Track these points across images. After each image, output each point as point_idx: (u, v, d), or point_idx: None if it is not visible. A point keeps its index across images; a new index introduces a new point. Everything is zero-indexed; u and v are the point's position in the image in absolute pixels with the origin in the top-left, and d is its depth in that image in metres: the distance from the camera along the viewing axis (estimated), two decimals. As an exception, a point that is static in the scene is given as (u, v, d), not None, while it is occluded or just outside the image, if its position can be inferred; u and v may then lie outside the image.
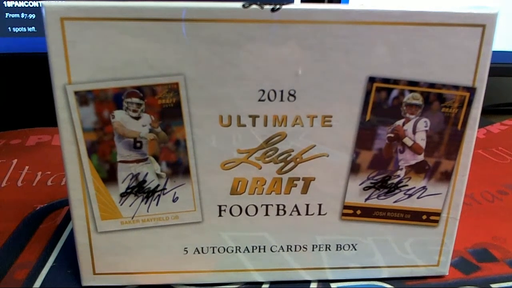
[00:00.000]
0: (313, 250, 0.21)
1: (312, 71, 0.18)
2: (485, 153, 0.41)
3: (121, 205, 0.20)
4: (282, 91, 0.18)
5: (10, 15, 0.37)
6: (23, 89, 0.45)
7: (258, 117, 0.19)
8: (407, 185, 0.20)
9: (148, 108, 0.18)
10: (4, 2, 0.37)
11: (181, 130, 0.19)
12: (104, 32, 0.17)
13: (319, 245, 0.21)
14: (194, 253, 0.21)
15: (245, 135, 0.19)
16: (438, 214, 0.21)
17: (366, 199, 0.21)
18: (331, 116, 0.19)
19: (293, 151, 0.19)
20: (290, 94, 0.18)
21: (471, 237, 0.27)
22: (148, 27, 0.17)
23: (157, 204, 0.20)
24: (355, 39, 0.18)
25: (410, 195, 0.21)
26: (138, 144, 0.19)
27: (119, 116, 0.18)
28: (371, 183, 0.20)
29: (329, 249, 0.21)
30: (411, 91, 0.19)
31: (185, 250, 0.21)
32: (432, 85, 0.19)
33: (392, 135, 0.20)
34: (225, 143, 0.19)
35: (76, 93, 0.18)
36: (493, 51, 0.19)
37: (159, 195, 0.20)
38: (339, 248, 0.22)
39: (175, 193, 0.20)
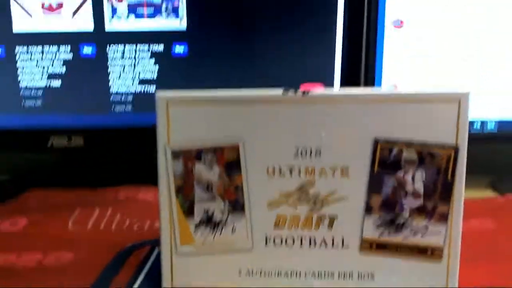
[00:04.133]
0: (338, 278, 0.27)
1: (332, 136, 0.26)
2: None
3: (195, 234, 0.27)
4: (311, 149, 0.26)
5: (113, 98, 0.48)
6: (118, 156, 0.55)
7: (294, 168, 0.26)
8: (411, 225, 0.26)
9: (217, 161, 0.26)
10: (110, 89, 0.48)
11: (239, 178, 0.26)
12: (192, 113, 0.26)
13: (344, 273, 0.27)
14: (246, 275, 0.27)
15: (284, 183, 0.26)
16: (440, 249, 0.26)
17: (380, 235, 0.26)
18: (348, 167, 0.26)
19: (319, 195, 0.26)
20: (316, 152, 0.26)
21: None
22: (221, 110, 0.26)
23: (220, 234, 0.27)
24: (364, 113, 0.25)
25: (415, 233, 0.26)
26: (210, 187, 0.27)
27: (198, 167, 0.26)
28: (383, 221, 0.26)
29: (352, 277, 0.27)
30: (407, 149, 0.25)
31: (239, 272, 0.27)
32: (424, 145, 0.25)
33: (395, 183, 0.26)
34: (270, 188, 0.26)
35: (172, 151, 0.26)
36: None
37: (222, 227, 0.27)
38: (360, 277, 0.27)
39: (234, 225, 0.27)
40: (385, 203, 0.26)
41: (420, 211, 0.26)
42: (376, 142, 0.25)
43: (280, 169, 0.26)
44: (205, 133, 0.26)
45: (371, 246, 0.27)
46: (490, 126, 0.48)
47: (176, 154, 0.26)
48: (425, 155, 0.25)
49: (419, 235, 0.26)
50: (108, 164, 0.55)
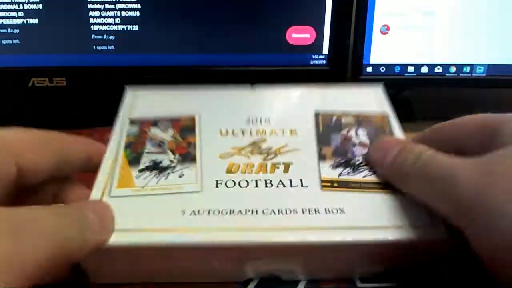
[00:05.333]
0: (303, 213, 0.23)
1: (280, 112, 0.29)
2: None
3: (137, 178, 0.24)
4: (261, 118, 0.29)
5: (95, 36, 0.48)
6: (98, 95, 0.55)
7: (245, 130, 0.28)
8: (367, 166, 0.26)
9: (172, 126, 0.28)
10: (91, 26, 0.47)
11: (193, 138, 0.27)
12: (154, 97, 0.30)
13: (308, 209, 0.23)
14: (190, 214, 0.23)
15: (237, 140, 0.27)
16: None
17: (339, 175, 0.25)
18: (296, 129, 0.28)
19: (272, 148, 0.27)
20: (266, 120, 0.29)
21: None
22: (179, 93, 0.30)
23: (166, 178, 0.24)
24: (307, 97, 0.30)
25: (374, 172, 0.25)
26: (162, 144, 0.27)
27: (153, 130, 0.28)
28: (338, 163, 0.26)
29: (319, 212, 0.23)
30: (345, 117, 0.29)
31: (182, 212, 0.23)
32: (359, 113, 0.29)
33: (342, 138, 0.28)
34: (223, 144, 0.27)
35: (130, 119, 0.28)
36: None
37: (169, 172, 0.25)
38: (328, 212, 0.23)
39: (182, 171, 0.25)
40: (336, 152, 0.27)
41: (372, 155, 0.27)
42: (317, 114, 0.29)
43: (233, 131, 0.28)
44: (164, 110, 0.29)
45: (332, 185, 0.25)
46: (479, 70, 0.46)
47: (133, 121, 0.28)
48: (362, 119, 0.29)
49: (377, 175, 0.25)
50: (90, 105, 0.53)
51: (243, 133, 0.27)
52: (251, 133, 0.27)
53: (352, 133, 0.27)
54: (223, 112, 0.29)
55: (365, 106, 0.29)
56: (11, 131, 0.21)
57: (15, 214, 0.17)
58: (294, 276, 0.24)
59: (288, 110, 0.29)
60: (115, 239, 0.21)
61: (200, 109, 0.29)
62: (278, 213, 0.23)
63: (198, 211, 0.23)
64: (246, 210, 0.23)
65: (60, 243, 0.17)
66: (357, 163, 0.26)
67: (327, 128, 0.28)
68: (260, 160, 0.26)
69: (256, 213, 0.23)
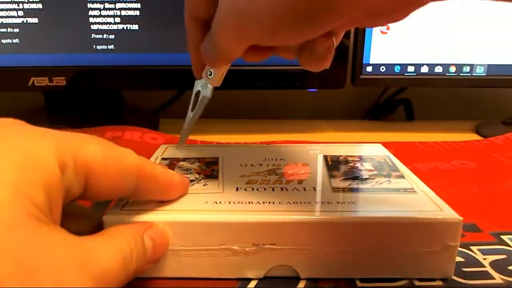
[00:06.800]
0: (316, 203, 0.25)
1: (292, 153, 0.33)
2: (499, 156, 0.45)
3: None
4: (277, 158, 0.33)
5: (95, 36, 0.47)
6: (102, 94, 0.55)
7: (263, 164, 0.32)
8: (374, 179, 0.29)
9: (198, 161, 0.32)
10: (91, 26, 0.47)
11: (216, 167, 0.31)
12: (181, 148, 0.35)
13: (322, 201, 0.25)
14: (212, 203, 0.25)
15: (255, 169, 0.31)
16: (411, 188, 0.27)
17: (349, 185, 0.28)
18: (307, 163, 0.32)
19: (287, 172, 0.30)
20: (281, 159, 0.33)
21: (466, 216, 0.27)
22: (204, 147, 0.38)
23: (191, 186, 0.27)
24: (314, 150, 0.34)
25: (381, 183, 0.28)
26: (188, 170, 0.31)
27: (182, 163, 0.32)
28: (347, 178, 0.29)
29: (331, 203, 0.25)
30: (351, 157, 0.33)
31: (205, 202, 0.25)
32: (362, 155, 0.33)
33: (349, 167, 0.31)
34: (243, 171, 0.30)
35: (162, 158, 0.33)
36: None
37: (194, 183, 0.28)
38: (340, 203, 0.25)
39: (206, 182, 0.28)
40: (345, 173, 0.30)
41: (378, 175, 0.29)
42: (325, 156, 0.33)
43: (252, 164, 0.32)
44: (191, 154, 0.34)
45: (343, 190, 0.27)
46: (479, 70, 0.47)
47: (164, 158, 0.33)
48: (365, 158, 0.32)
49: (385, 184, 0.28)
50: (90, 104, 0.54)
51: (260, 165, 0.31)
52: (267, 165, 0.31)
53: (358, 164, 0.31)
54: (242, 156, 0.33)
55: (368, 154, 0.34)
56: (87, 145, 0.18)
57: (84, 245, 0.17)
58: (306, 270, 0.24)
59: (300, 153, 0.34)
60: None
61: (222, 154, 0.34)
62: (293, 204, 0.25)
63: (220, 202, 0.25)
64: (263, 202, 0.25)
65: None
66: (365, 177, 0.29)
67: (335, 163, 0.32)
68: (275, 178, 0.29)
69: (274, 204, 0.25)
